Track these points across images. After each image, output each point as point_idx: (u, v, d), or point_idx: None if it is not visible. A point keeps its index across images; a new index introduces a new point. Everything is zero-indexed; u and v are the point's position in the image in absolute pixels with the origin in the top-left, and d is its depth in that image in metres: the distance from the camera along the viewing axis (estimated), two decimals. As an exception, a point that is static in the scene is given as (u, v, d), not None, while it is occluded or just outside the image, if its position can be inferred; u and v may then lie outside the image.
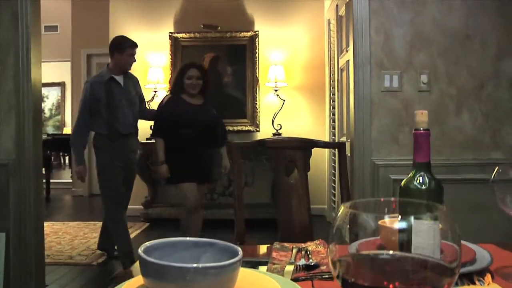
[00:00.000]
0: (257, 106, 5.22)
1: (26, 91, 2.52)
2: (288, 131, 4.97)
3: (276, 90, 5.09)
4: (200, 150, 3.26)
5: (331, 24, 4.82)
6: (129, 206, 5.33)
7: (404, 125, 2.60)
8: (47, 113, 10.87)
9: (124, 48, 3.38)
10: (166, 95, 3.54)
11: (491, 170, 2.64)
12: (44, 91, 10.67)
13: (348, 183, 1.97)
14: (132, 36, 5.37)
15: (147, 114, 3.71)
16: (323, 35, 5.14)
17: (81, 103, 3.33)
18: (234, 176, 1.85)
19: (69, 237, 4.28)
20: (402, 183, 0.88)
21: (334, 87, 4.64)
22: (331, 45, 4.81)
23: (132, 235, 4.46)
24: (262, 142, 1.94)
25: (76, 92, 6.89)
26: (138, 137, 3.61)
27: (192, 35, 5.24)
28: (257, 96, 5.22)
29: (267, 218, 3.84)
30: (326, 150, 5.00)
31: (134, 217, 5.13)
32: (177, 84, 3.39)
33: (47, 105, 10.89)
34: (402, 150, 2.59)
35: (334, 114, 4.69)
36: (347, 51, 3.83)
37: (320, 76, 5.20)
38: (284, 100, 5.11)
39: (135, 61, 3.48)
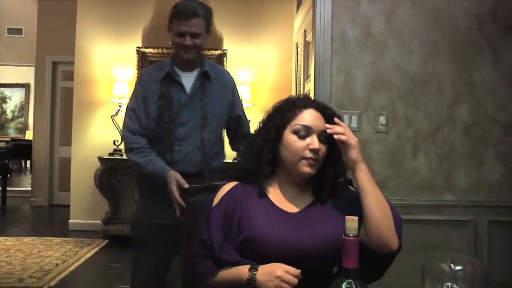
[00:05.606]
0: (223, 125, 5.19)
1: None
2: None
3: (242, 110, 5.05)
4: None
5: (298, 48, 4.86)
6: (87, 221, 5.26)
7: (361, 165, 2.62)
8: (9, 114, 10.57)
9: (170, 21, 2.02)
10: None
11: (443, 211, 2.70)
12: (7, 92, 10.38)
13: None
14: (99, 48, 5.31)
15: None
16: (291, 57, 5.17)
17: (131, 99, 2.09)
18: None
19: (22, 256, 4.14)
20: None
21: (299, 111, 4.66)
22: (298, 68, 4.85)
23: (90, 253, 4.37)
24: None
25: (40, 95, 6.70)
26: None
27: (160, 50, 5.18)
28: (223, 115, 5.19)
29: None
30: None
31: (93, 232, 5.03)
32: None
33: (10, 106, 10.59)
34: (358, 190, 2.62)
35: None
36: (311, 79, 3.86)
37: (287, 97, 5.20)
38: (249, 121, 5.09)
39: (190, 45, 2.01)
